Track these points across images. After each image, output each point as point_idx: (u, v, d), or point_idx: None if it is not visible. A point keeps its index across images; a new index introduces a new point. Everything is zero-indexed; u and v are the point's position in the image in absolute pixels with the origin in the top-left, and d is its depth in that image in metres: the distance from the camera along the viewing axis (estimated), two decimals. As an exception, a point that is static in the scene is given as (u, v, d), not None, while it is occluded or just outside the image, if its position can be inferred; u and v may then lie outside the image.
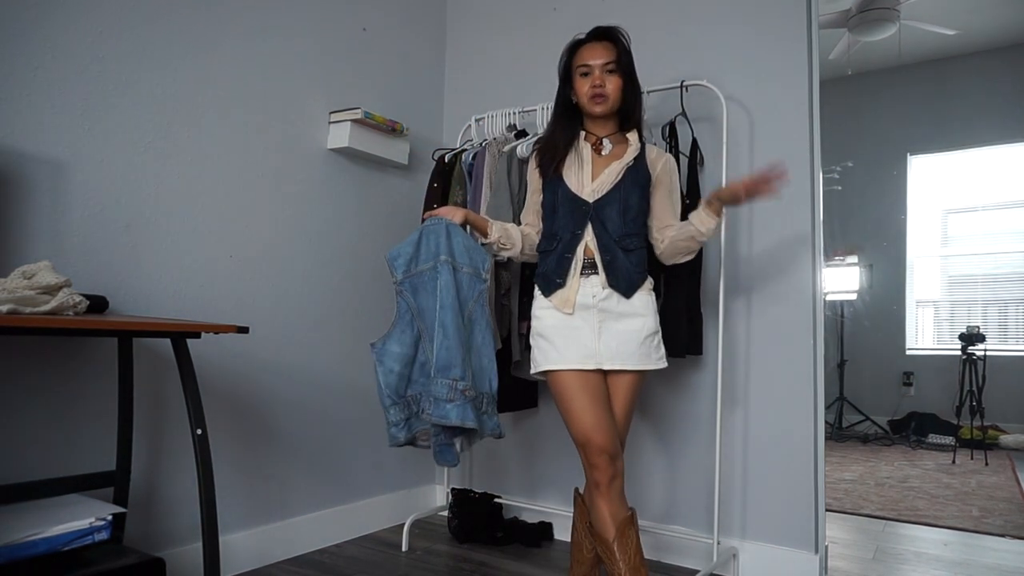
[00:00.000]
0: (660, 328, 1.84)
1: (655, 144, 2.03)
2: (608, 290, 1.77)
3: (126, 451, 1.77)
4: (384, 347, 1.80)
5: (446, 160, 2.61)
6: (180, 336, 1.58)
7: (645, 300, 1.81)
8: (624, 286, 1.78)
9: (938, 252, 6.14)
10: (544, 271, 1.85)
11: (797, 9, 2.30)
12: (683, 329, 2.18)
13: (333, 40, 2.57)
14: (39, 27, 1.74)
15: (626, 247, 1.79)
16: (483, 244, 1.98)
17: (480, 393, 1.78)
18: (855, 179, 6.23)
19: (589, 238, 1.79)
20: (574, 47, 1.87)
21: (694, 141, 2.32)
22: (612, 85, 1.81)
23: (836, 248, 5.80)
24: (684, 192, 2.27)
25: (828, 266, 5.61)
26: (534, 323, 1.85)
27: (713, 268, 2.32)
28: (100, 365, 1.85)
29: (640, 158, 1.85)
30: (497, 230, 1.91)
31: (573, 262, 1.79)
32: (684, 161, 2.31)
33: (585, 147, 1.86)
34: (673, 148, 2.29)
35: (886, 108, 6.17)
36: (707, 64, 2.42)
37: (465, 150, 2.59)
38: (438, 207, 2.54)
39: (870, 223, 6.15)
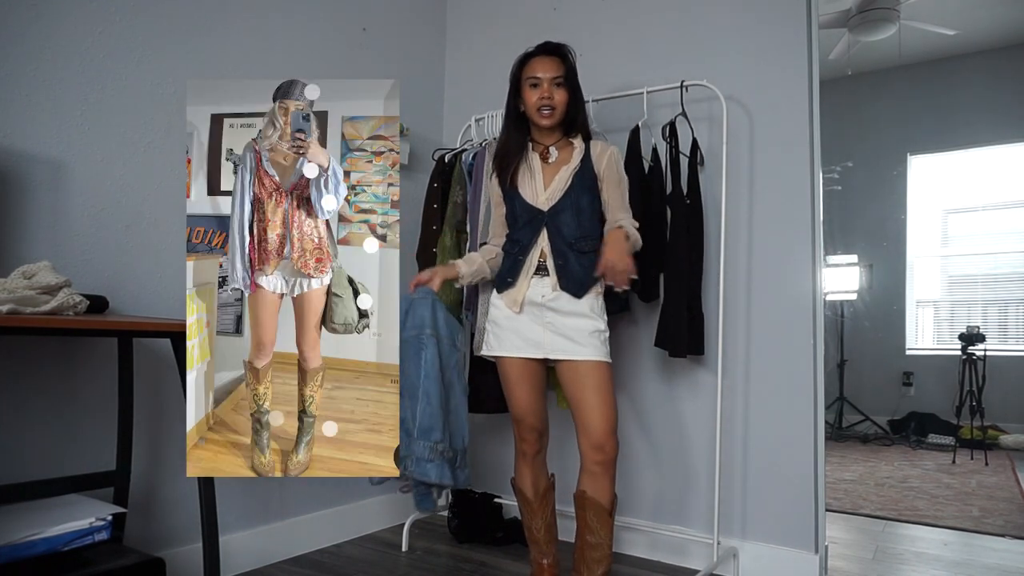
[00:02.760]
0: (607, 330, 1.91)
1: (600, 139, 2.06)
2: (558, 291, 1.88)
3: (126, 451, 1.77)
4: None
5: (446, 160, 2.61)
6: (180, 336, 1.58)
7: (592, 303, 1.90)
8: (575, 287, 1.87)
9: (938, 252, 6.14)
10: (502, 270, 1.99)
11: (797, 9, 2.30)
12: (684, 329, 2.19)
13: (333, 40, 2.57)
14: (39, 27, 1.74)
15: (581, 249, 1.89)
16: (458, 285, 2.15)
17: (455, 451, 1.94)
18: (855, 179, 6.23)
19: (544, 244, 1.91)
20: (524, 60, 1.95)
21: (694, 141, 2.32)
22: (559, 97, 1.90)
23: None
24: (684, 192, 2.27)
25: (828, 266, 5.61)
26: (490, 310, 2.00)
27: (713, 268, 2.32)
28: (100, 365, 1.85)
29: (586, 159, 1.94)
30: (467, 273, 2.01)
31: (525, 265, 1.91)
32: (684, 161, 2.31)
33: (534, 157, 1.97)
34: (673, 148, 2.29)
35: (886, 108, 6.17)
36: (707, 64, 2.42)
37: (465, 150, 2.59)
38: (437, 207, 2.55)
39: (870, 223, 6.15)
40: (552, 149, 1.97)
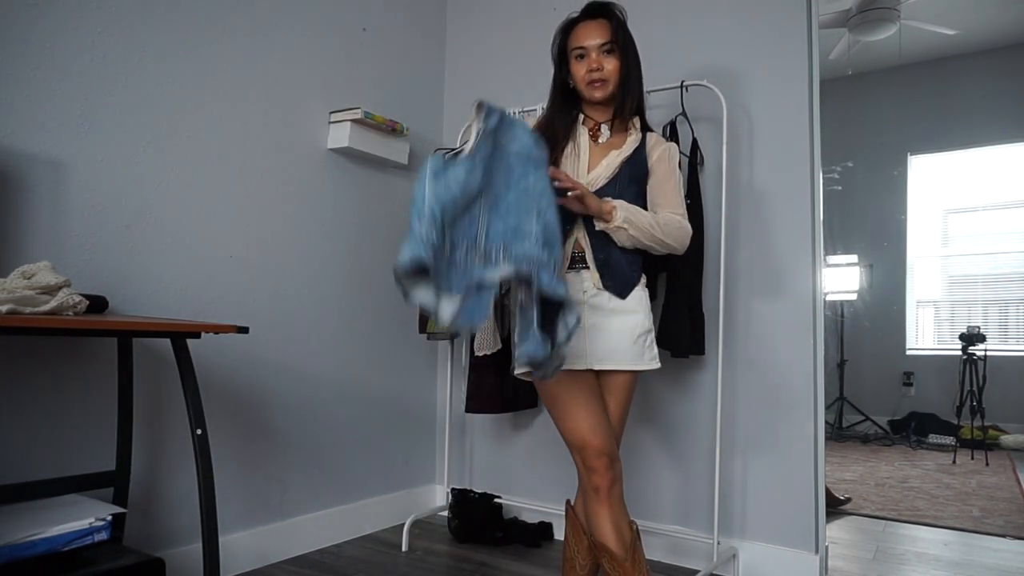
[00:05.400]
0: (653, 327, 1.77)
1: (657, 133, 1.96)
2: (600, 289, 1.69)
3: (126, 451, 1.77)
4: (453, 165, 1.47)
5: (446, 160, 2.61)
6: (180, 336, 1.58)
7: (639, 296, 1.73)
8: (619, 287, 1.70)
9: (938, 252, 6.14)
10: None
11: (797, 9, 2.30)
12: (686, 330, 2.19)
13: (333, 40, 2.57)
14: (39, 27, 1.74)
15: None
16: None
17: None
18: (855, 179, 6.24)
19: (580, 234, 1.70)
20: (568, 27, 1.77)
21: (694, 141, 2.32)
22: (610, 67, 1.70)
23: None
24: (685, 192, 2.27)
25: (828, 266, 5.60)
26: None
27: (713, 268, 2.31)
28: (100, 365, 1.85)
29: (639, 149, 1.75)
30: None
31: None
32: (684, 161, 2.31)
33: (583, 133, 1.76)
34: (673, 148, 2.29)
35: (886, 108, 6.17)
36: (707, 64, 2.42)
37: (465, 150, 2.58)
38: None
39: (870, 223, 6.16)
40: (604, 127, 1.76)
